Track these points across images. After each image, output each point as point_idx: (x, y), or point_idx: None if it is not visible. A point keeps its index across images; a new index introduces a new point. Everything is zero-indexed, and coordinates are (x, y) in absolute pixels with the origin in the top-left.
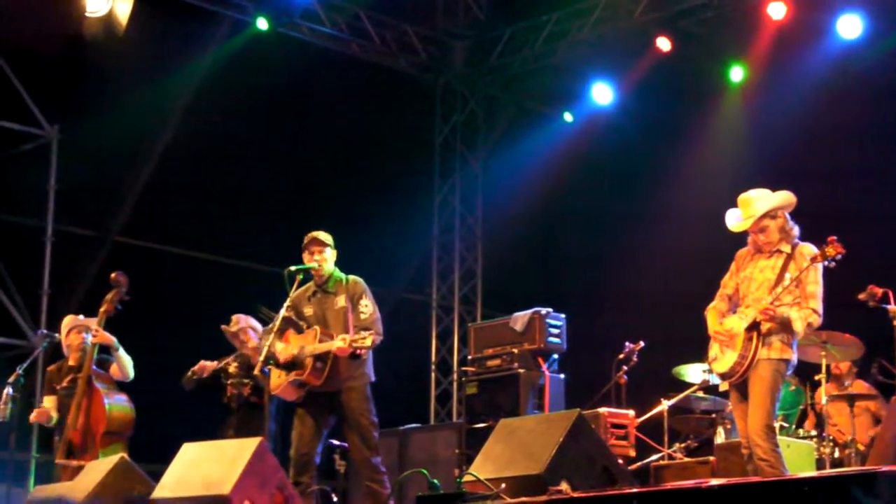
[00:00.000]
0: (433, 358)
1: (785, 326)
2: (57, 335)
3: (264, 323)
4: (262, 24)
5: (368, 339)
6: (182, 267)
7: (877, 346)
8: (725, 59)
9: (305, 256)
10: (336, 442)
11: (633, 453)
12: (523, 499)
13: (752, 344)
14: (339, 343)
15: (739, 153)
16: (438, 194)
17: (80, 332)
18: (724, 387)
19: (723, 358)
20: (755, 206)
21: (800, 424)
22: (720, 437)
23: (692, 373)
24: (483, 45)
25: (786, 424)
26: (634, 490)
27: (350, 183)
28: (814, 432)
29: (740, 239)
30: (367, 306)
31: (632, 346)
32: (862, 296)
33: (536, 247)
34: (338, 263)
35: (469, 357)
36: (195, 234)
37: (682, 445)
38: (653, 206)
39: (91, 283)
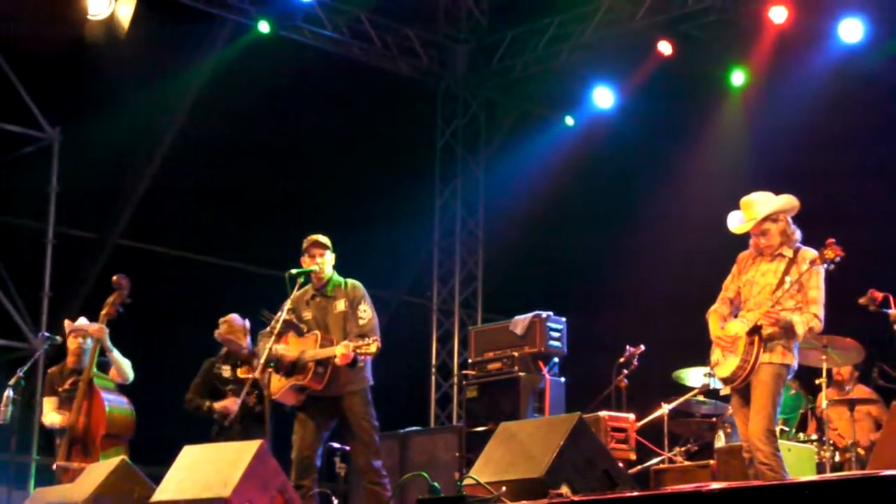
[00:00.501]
0: (433, 361)
1: (787, 330)
2: (58, 337)
3: (263, 325)
4: (263, 27)
5: (373, 346)
6: (183, 269)
7: (877, 351)
8: (727, 63)
9: (305, 260)
10: (336, 445)
11: (633, 457)
12: (523, 502)
13: (754, 348)
14: (341, 349)
15: (740, 157)
16: (440, 198)
17: (76, 337)
18: (724, 391)
19: (725, 362)
20: (757, 208)
21: (800, 428)
22: (720, 441)
23: (692, 376)
24: (484, 49)
25: (786, 428)
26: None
27: (351, 186)
28: (814, 436)
29: (742, 242)
30: (366, 311)
31: (632, 349)
32: (862, 300)
33: (537, 250)
34: (339, 267)
35: (469, 360)
36: (196, 236)
37: (683, 449)
38: (654, 209)
39: (92, 286)
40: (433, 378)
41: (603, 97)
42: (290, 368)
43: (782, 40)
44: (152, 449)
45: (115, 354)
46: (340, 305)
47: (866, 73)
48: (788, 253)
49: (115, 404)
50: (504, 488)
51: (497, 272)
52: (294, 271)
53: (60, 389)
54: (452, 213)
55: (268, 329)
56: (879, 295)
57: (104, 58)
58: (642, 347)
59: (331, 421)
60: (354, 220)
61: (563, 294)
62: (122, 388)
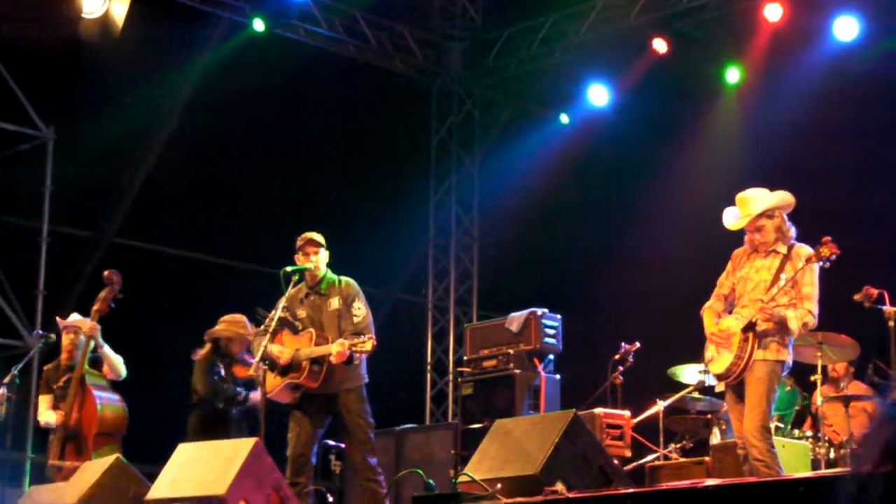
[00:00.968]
0: (429, 359)
1: (782, 327)
2: (53, 335)
3: (259, 324)
4: (258, 25)
5: (368, 344)
6: (177, 267)
7: (872, 347)
8: (722, 60)
9: (299, 257)
10: (332, 442)
11: (628, 454)
12: (519, 499)
13: (749, 345)
14: (337, 348)
15: (735, 154)
16: (434, 196)
17: (69, 333)
18: (719, 387)
19: (719, 359)
20: (752, 205)
21: (795, 425)
22: (716, 438)
23: (688, 373)
24: (479, 47)
25: (781, 425)
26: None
27: (346, 184)
28: (809, 433)
29: (736, 240)
30: (361, 309)
31: (627, 346)
32: (857, 297)
33: (532, 248)
34: (335, 265)
35: (465, 358)
36: (191, 234)
37: (678, 446)
38: (649, 207)
39: (87, 284)
40: (428, 375)
41: (598, 95)
42: (286, 367)
43: (777, 38)
44: (147, 447)
45: (107, 351)
46: (334, 303)
47: (861, 70)
48: (783, 249)
49: (107, 402)
50: (499, 485)
51: (492, 269)
52: (288, 269)
53: (55, 387)
54: (447, 210)
55: (262, 327)
56: (875, 291)
57: (99, 56)
58: (637, 344)
59: (326, 418)
60: (349, 218)
61: (559, 291)
62: (116, 385)
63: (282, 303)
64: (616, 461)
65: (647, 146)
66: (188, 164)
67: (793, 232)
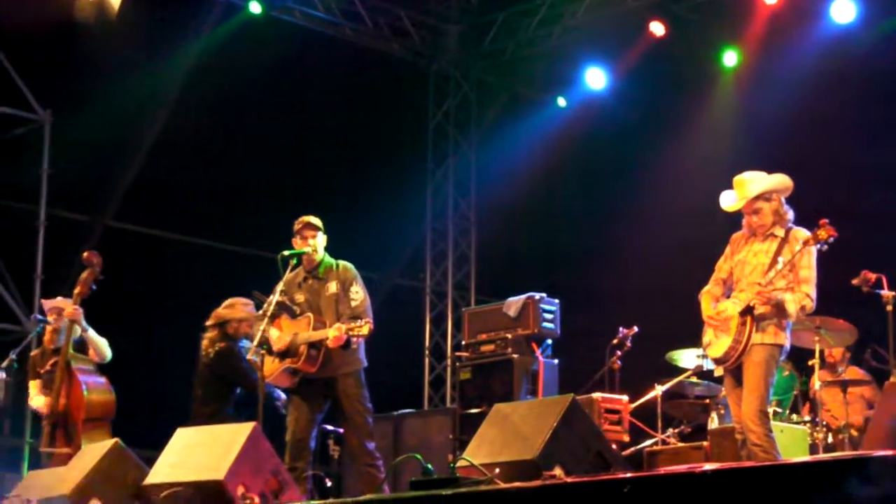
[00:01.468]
0: (427, 343)
1: (780, 310)
2: (50, 320)
3: (257, 308)
4: (254, 7)
5: (365, 328)
6: (175, 251)
7: (870, 332)
8: (719, 43)
9: (297, 241)
10: (330, 427)
11: (626, 438)
12: (517, 484)
13: (746, 329)
14: (334, 332)
15: (733, 137)
16: (432, 180)
17: (51, 314)
18: (718, 372)
19: (717, 343)
20: (749, 187)
21: (794, 410)
22: (714, 423)
23: (686, 358)
24: (476, 30)
25: (779, 410)
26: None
27: (343, 168)
28: (807, 418)
29: (735, 222)
30: (359, 293)
31: (625, 331)
32: (855, 281)
33: (530, 232)
34: (332, 249)
35: (463, 342)
36: (188, 218)
37: (676, 431)
38: (646, 190)
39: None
40: (426, 360)
41: (595, 78)
42: (284, 351)
43: (774, 21)
44: (145, 431)
45: (91, 334)
46: (332, 287)
47: (858, 53)
48: (780, 233)
49: (94, 386)
50: (497, 470)
51: (490, 254)
52: (286, 253)
53: (42, 371)
54: (445, 194)
55: (260, 311)
56: (873, 276)
57: (96, 39)
58: (635, 329)
59: (324, 403)
60: (346, 202)
61: (557, 275)
62: (113, 369)
63: (279, 287)
64: (614, 446)
65: (645, 129)
66: (185, 148)
67: (790, 215)
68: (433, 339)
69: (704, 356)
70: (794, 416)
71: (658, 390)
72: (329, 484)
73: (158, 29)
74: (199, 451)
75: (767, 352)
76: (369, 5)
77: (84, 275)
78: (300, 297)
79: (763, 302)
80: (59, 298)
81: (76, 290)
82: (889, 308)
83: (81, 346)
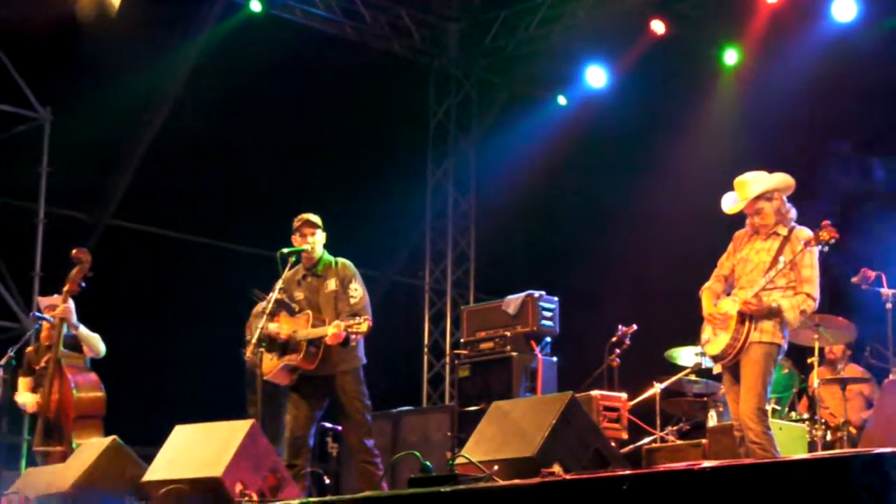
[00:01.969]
0: (426, 341)
1: (775, 313)
2: (49, 317)
3: (255, 306)
4: (255, 5)
5: (364, 325)
6: (174, 250)
7: (870, 330)
8: (720, 41)
9: (296, 238)
10: (329, 424)
11: (625, 436)
12: (515, 481)
13: (745, 327)
14: (333, 329)
15: (733, 135)
16: (432, 178)
17: (49, 311)
18: (716, 370)
19: (715, 340)
20: (750, 187)
21: (792, 407)
22: (712, 420)
23: (685, 356)
24: (477, 29)
25: (778, 407)
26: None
27: (343, 166)
28: (806, 415)
29: (735, 221)
30: (357, 290)
31: (624, 328)
32: (855, 279)
33: (529, 230)
34: (331, 247)
35: (461, 340)
36: (187, 217)
37: (675, 428)
38: (647, 188)
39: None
40: (425, 358)
41: (596, 76)
42: (283, 348)
43: (775, 19)
44: (144, 428)
45: (83, 331)
46: (331, 285)
47: (859, 52)
48: (783, 232)
49: (83, 384)
50: (496, 467)
51: (489, 252)
52: (285, 250)
53: (37, 368)
54: (444, 192)
55: (259, 309)
56: (872, 274)
57: (95, 37)
58: (634, 327)
59: (323, 400)
60: (346, 200)
61: (556, 273)
62: (113, 367)
63: (278, 284)
64: (613, 443)
65: (645, 127)
66: (185, 146)
67: (793, 213)
68: (432, 336)
69: (703, 354)
70: (793, 414)
71: (657, 388)
72: (328, 481)
73: (159, 27)
74: (197, 448)
75: (765, 350)
76: (370, 3)
77: (73, 272)
78: (299, 295)
79: (752, 311)
80: (55, 295)
81: (65, 288)
82: (888, 306)
83: (73, 343)
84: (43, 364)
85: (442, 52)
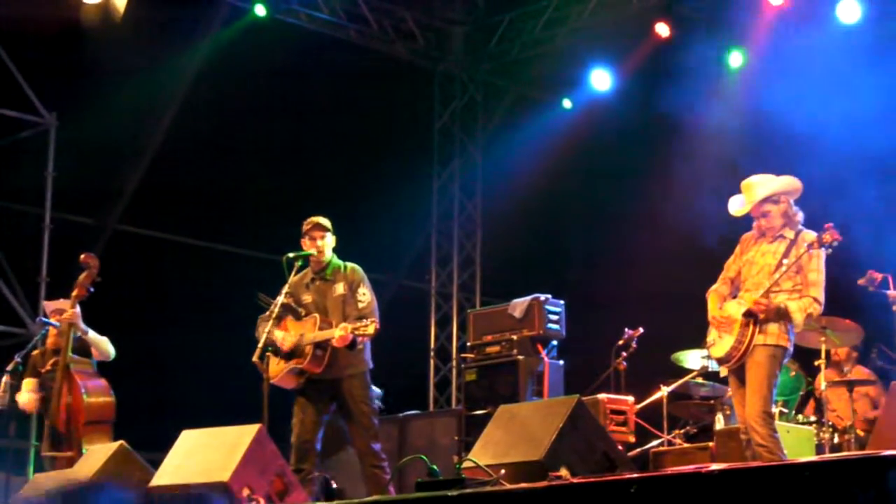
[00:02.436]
0: (432, 345)
1: (782, 315)
2: (56, 323)
3: (262, 310)
4: (259, 10)
5: (371, 327)
6: (180, 254)
7: (876, 332)
8: (724, 44)
9: (305, 242)
10: None
11: (632, 439)
12: (523, 485)
13: (749, 330)
14: (339, 332)
15: (738, 138)
16: (437, 181)
17: (55, 316)
18: (723, 372)
19: (720, 342)
20: (757, 190)
21: (800, 410)
22: (719, 423)
23: (691, 359)
24: (482, 32)
25: (785, 410)
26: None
27: (348, 170)
28: (813, 418)
29: (740, 224)
30: (366, 294)
31: (631, 332)
32: (861, 281)
33: (535, 233)
34: (337, 251)
35: (468, 344)
36: (193, 221)
37: (682, 431)
38: (652, 190)
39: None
40: (432, 362)
41: (600, 80)
42: (289, 352)
43: (780, 21)
44: (151, 434)
45: (92, 335)
46: (339, 289)
47: (864, 53)
48: (790, 234)
49: (92, 389)
50: (503, 471)
51: (495, 255)
52: (291, 255)
53: (42, 371)
54: (450, 196)
55: (266, 313)
56: (879, 276)
57: (100, 42)
58: (641, 330)
59: (330, 404)
60: (352, 204)
61: (562, 276)
62: (106, 369)
63: (285, 289)
64: (620, 447)
65: (650, 130)
66: (190, 151)
67: (800, 216)
68: (438, 340)
69: (709, 356)
70: (800, 417)
71: (664, 391)
72: (335, 485)
73: (163, 32)
74: (204, 452)
75: (770, 352)
76: (374, 7)
77: (81, 277)
78: (307, 298)
79: (761, 311)
80: (61, 300)
81: (74, 293)
82: (895, 308)
83: (81, 348)
84: (49, 367)
85: (446, 55)
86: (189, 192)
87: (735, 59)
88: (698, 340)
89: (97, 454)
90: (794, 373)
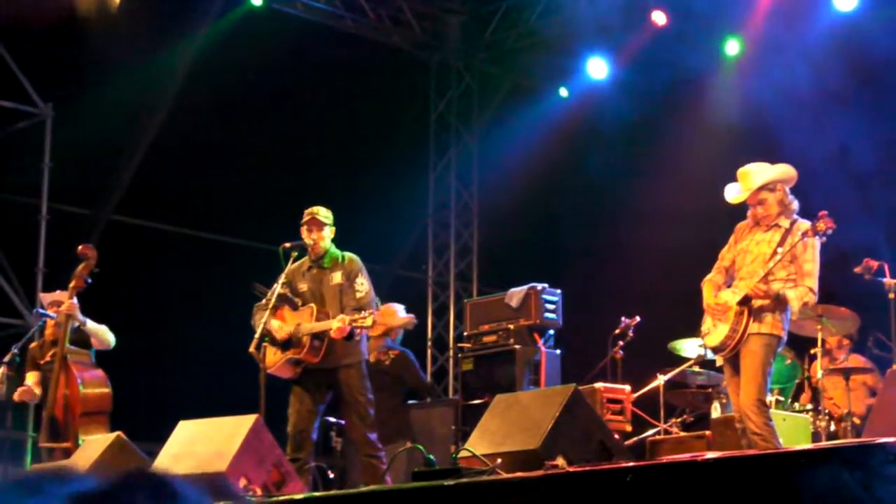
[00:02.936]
0: (429, 334)
1: (779, 302)
2: (53, 314)
3: (257, 299)
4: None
5: (369, 319)
6: (177, 245)
7: (872, 320)
8: (721, 32)
9: (303, 231)
10: (333, 419)
11: (629, 428)
12: (519, 474)
13: (743, 318)
14: (337, 323)
15: (735, 126)
16: (434, 171)
17: (52, 308)
18: (719, 361)
19: (715, 331)
20: (753, 178)
21: (795, 398)
22: (716, 412)
23: (688, 347)
24: (478, 21)
25: (781, 398)
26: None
27: (345, 160)
28: (810, 406)
29: (738, 208)
30: (363, 285)
31: (627, 321)
32: (858, 269)
33: (532, 222)
34: (334, 241)
35: (465, 333)
36: (190, 212)
37: (678, 420)
38: (649, 180)
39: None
40: (429, 351)
41: (597, 68)
42: (286, 342)
43: (777, 9)
44: (148, 424)
45: (90, 325)
46: (336, 278)
47: (861, 40)
48: (785, 223)
49: (89, 380)
50: (500, 460)
51: (492, 244)
52: (288, 245)
53: (42, 362)
54: (447, 185)
55: (262, 302)
56: (875, 263)
57: (97, 32)
58: (637, 319)
59: (326, 394)
60: (348, 194)
61: (559, 266)
62: (104, 359)
63: (281, 279)
64: (616, 436)
65: (647, 119)
66: (187, 141)
67: (796, 205)
68: (435, 330)
69: (704, 345)
70: (797, 405)
71: (660, 380)
72: (331, 475)
73: (160, 22)
74: (201, 443)
75: (764, 341)
76: None
77: (79, 268)
78: (303, 287)
79: (760, 296)
80: (58, 291)
81: (71, 284)
82: (891, 295)
83: (79, 339)
84: (48, 359)
85: (443, 44)
86: (186, 183)
87: (732, 47)
88: (695, 329)
89: (94, 445)
90: (789, 361)
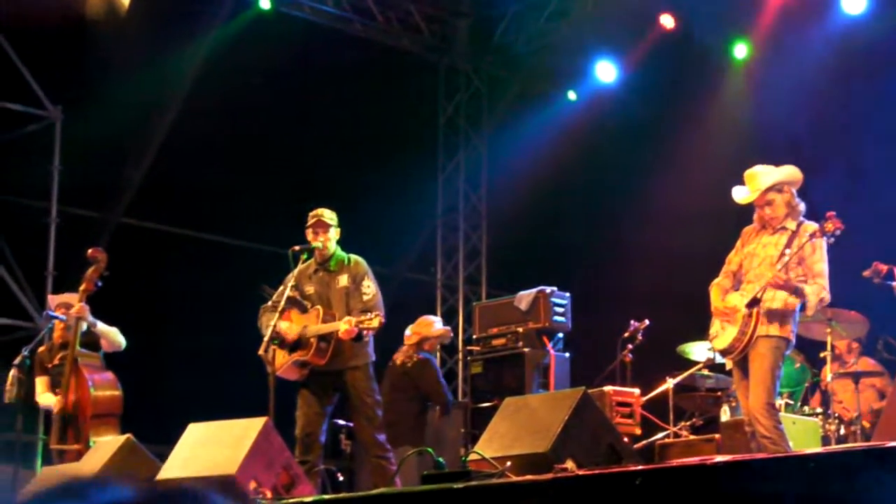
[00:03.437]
0: None
1: (797, 296)
2: (63, 317)
3: (265, 302)
4: (264, 3)
5: (376, 321)
6: (186, 248)
7: (882, 323)
8: (729, 35)
9: (309, 233)
10: (341, 421)
11: (638, 431)
12: (528, 477)
13: (752, 321)
14: (344, 325)
15: (743, 129)
16: (442, 174)
17: (60, 310)
18: (729, 364)
19: (723, 334)
20: (761, 179)
21: (805, 402)
22: (725, 415)
23: (697, 351)
24: (486, 24)
25: (791, 402)
26: (640, 468)
27: (354, 162)
28: (819, 409)
29: (745, 211)
30: (370, 287)
31: (637, 324)
32: (867, 272)
33: (541, 225)
34: (342, 243)
35: (474, 336)
36: (199, 214)
37: (688, 423)
38: (657, 182)
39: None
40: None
41: (605, 71)
42: (293, 344)
43: (785, 13)
44: (157, 427)
45: (101, 326)
46: (343, 281)
47: (869, 44)
48: (791, 226)
49: (100, 383)
50: (509, 463)
51: (501, 247)
52: (297, 248)
53: (50, 366)
54: (455, 188)
55: (270, 304)
56: (884, 267)
57: (105, 35)
58: (647, 322)
59: (333, 396)
60: (357, 197)
61: (568, 268)
62: (114, 361)
63: (290, 281)
64: (626, 439)
65: (656, 121)
66: (196, 144)
67: (802, 207)
68: None
69: (712, 348)
70: (806, 408)
71: (669, 383)
72: (340, 478)
73: (168, 25)
74: (211, 445)
75: (773, 344)
76: (379, 0)
77: (89, 271)
78: (310, 289)
79: (780, 285)
80: (67, 294)
81: (81, 287)
82: None
83: (89, 342)
84: (57, 362)
85: (451, 47)
86: (194, 186)
87: (740, 50)
88: (704, 332)
89: (104, 447)
90: (798, 364)
